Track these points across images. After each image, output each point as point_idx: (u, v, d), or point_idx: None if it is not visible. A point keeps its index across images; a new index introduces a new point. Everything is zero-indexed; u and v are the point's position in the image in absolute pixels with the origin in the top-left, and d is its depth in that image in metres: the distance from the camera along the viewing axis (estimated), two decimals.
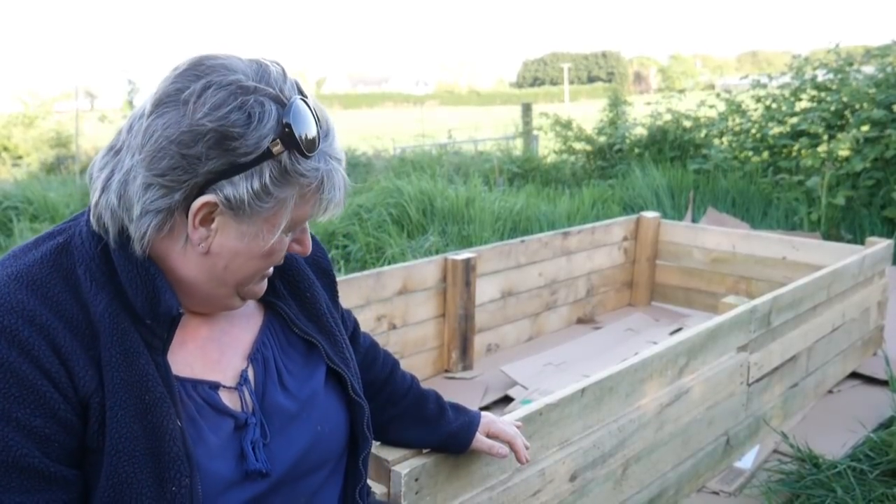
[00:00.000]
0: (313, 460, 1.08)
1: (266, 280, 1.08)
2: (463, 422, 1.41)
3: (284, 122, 0.92)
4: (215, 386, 1.02)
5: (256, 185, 0.92)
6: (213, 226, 0.95)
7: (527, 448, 1.45)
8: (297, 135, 0.92)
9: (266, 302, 1.13)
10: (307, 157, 0.94)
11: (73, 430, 0.91)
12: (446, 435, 1.40)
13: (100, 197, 0.96)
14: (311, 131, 0.94)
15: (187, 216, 0.94)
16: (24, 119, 12.82)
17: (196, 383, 1.01)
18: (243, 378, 1.05)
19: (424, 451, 1.45)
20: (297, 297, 1.16)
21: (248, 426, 1.02)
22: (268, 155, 0.92)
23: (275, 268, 1.13)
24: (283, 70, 0.97)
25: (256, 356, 1.08)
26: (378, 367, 1.40)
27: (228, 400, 1.03)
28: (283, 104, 0.93)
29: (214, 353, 1.05)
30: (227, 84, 0.91)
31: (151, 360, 0.95)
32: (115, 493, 0.90)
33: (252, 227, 0.96)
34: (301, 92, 0.97)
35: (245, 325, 1.10)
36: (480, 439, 1.42)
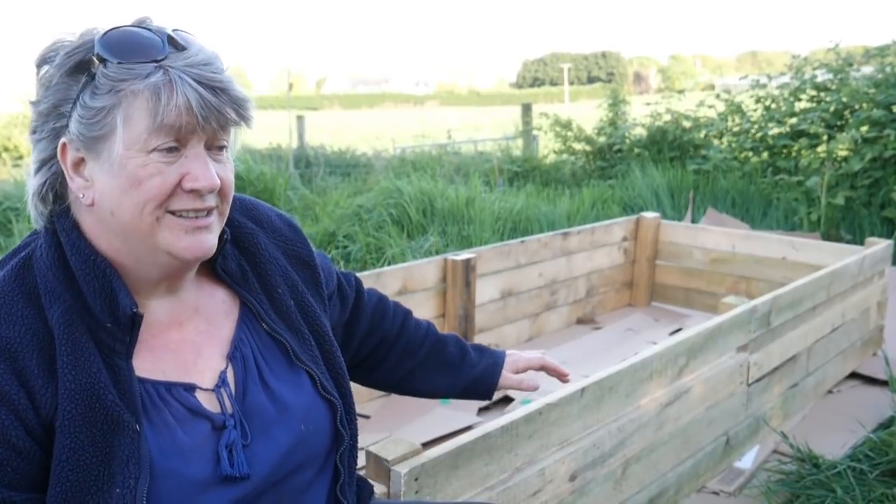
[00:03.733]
0: (297, 460, 1.06)
1: (202, 231, 0.97)
2: (487, 363, 1.38)
3: (96, 41, 0.93)
4: (191, 388, 1.00)
5: (79, 106, 0.93)
6: (86, 171, 0.95)
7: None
8: (104, 46, 0.93)
9: (240, 296, 1.10)
10: (119, 63, 0.92)
11: (29, 456, 0.90)
12: (471, 379, 1.37)
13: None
14: (130, 40, 0.93)
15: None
16: (25, 119, 12.83)
17: (170, 386, 0.99)
18: (221, 379, 1.03)
19: (424, 449, 1.45)
20: (267, 292, 1.12)
21: (226, 429, 1.00)
22: (79, 69, 0.93)
23: (245, 258, 1.11)
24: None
25: (235, 354, 1.06)
26: (389, 321, 1.37)
27: (206, 402, 1.01)
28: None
29: (189, 355, 1.03)
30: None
31: (105, 367, 0.93)
32: (61, 500, 0.90)
33: (105, 154, 0.93)
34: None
35: (222, 322, 1.08)
36: (507, 377, 1.39)
